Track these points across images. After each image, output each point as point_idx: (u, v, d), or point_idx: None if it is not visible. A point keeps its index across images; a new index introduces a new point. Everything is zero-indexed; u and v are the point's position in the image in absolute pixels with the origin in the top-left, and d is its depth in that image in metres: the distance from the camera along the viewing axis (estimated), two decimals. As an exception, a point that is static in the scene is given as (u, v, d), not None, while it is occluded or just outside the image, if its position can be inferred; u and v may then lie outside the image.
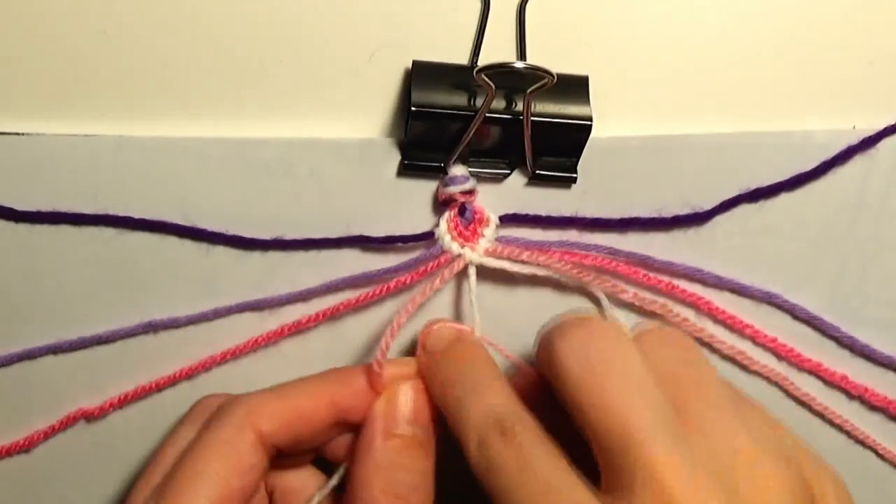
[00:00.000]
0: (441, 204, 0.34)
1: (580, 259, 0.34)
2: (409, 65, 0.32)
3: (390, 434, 0.30)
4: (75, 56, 0.31)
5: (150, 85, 0.32)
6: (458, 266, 0.34)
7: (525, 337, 0.35)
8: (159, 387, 0.35)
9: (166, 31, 0.32)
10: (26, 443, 0.35)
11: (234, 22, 0.32)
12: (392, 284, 0.34)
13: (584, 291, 0.35)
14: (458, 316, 0.36)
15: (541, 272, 0.34)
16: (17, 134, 0.31)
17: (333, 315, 0.34)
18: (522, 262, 0.34)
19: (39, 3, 0.31)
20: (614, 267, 0.35)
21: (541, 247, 0.34)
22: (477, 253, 0.34)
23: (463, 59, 0.33)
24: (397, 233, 0.34)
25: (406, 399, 0.31)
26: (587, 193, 0.34)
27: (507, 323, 0.35)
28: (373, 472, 0.29)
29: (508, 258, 0.34)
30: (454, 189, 0.33)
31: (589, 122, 0.32)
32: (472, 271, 0.34)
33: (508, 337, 0.34)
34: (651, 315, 0.36)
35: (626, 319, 0.36)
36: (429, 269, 0.34)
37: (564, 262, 0.34)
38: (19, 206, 0.32)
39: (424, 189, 0.34)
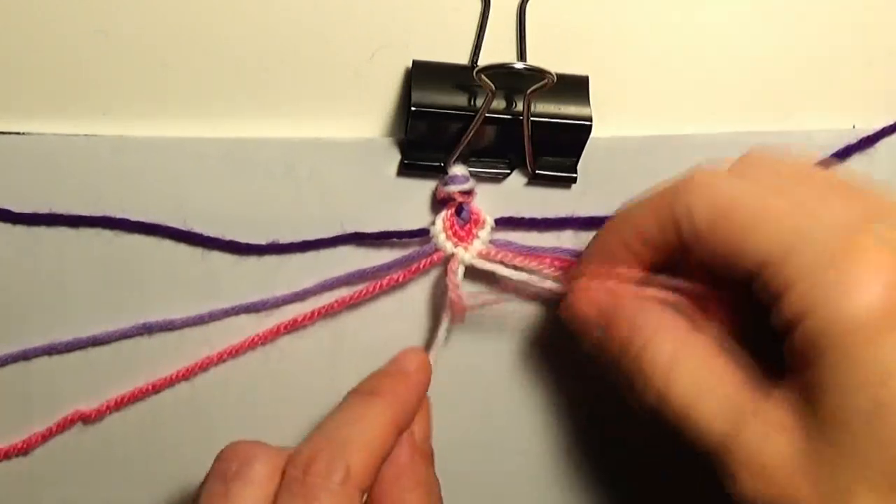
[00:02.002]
0: (439, 202, 0.34)
1: (571, 266, 0.34)
2: (409, 65, 0.32)
3: (416, 449, 0.31)
4: (75, 56, 0.31)
5: (150, 85, 0.32)
6: (452, 266, 0.34)
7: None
8: (156, 388, 0.35)
9: (166, 31, 0.32)
10: (24, 446, 0.34)
11: (234, 22, 0.32)
12: (384, 282, 0.34)
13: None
14: (436, 313, 0.35)
15: (530, 280, 0.34)
16: (17, 133, 0.31)
17: (329, 313, 0.34)
18: (514, 267, 0.34)
19: (39, 2, 0.31)
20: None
21: (533, 253, 0.34)
22: (470, 254, 0.34)
23: (463, 59, 0.33)
24: (396, 232, 0.34)
25: (423, 419, 0.32)
26: (587, 193, 0.34)
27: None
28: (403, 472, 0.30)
29: (501, 262, 0.34)
30: (453, 188, 0.33)
31: (589, 122, 0.32)
32: (459, 271, 0.34)
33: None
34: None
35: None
36: (421, 266, 0.34)
37: (555, 270, 0.34)
38: (19, 205, 0.32)
39: (424, 189, 0.34)
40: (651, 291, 0.30)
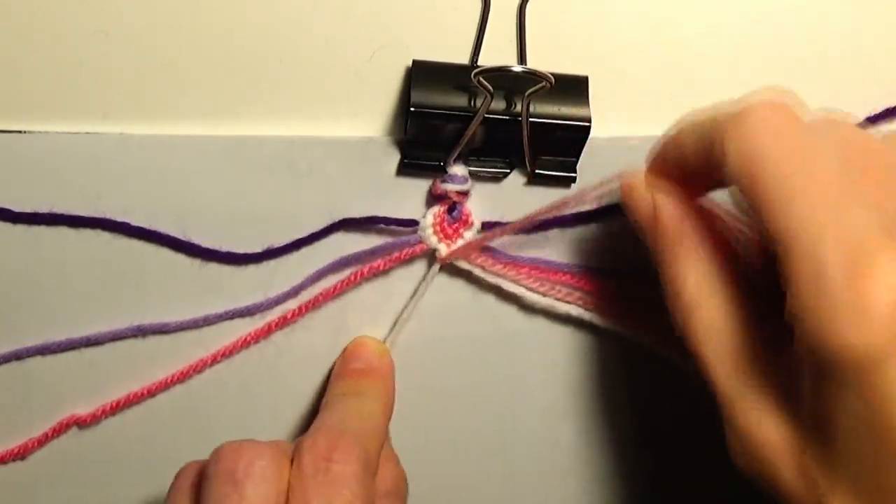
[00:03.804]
0: (434, 197, 0.34)
1: (548, 276, 0.35)
2: (409, 64, 0.32)
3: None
4: (75, 56, 0.31)
5: (150, 85, 0.32)
6: (433, 260, 0.34)
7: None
8: (152, 392, 0.34)
9: (166, 31, 0.32)
10: (21, 451, 0.34)
11: (234, 22, 0.32)
12: (366, 269, 0.34)
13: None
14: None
15: (507, 284, 0.35)
16: (19, 132, 0.31)
17: (316, 305, 0.34)
18: (495, 273, 0.34)
19: (39, 2, 0.31)
20: (583, 285, 0.35)
21: (513, 261, 0.35)
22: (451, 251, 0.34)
23: (463, 58, 0.33)
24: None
25: None
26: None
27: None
28: None
29: (481, 266, 0.34)
30: (451, 188, 0.33)
31: (588, 123, 0.32)
32: (434, 269, 0.34)
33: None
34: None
35: (596, 339, 0.36)
36: (403, 255, 0.34)
37: (532, 280, 0.35)
38: (21, 204, 0.32)
39: (424, 188, 0.34)
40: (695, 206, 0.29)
